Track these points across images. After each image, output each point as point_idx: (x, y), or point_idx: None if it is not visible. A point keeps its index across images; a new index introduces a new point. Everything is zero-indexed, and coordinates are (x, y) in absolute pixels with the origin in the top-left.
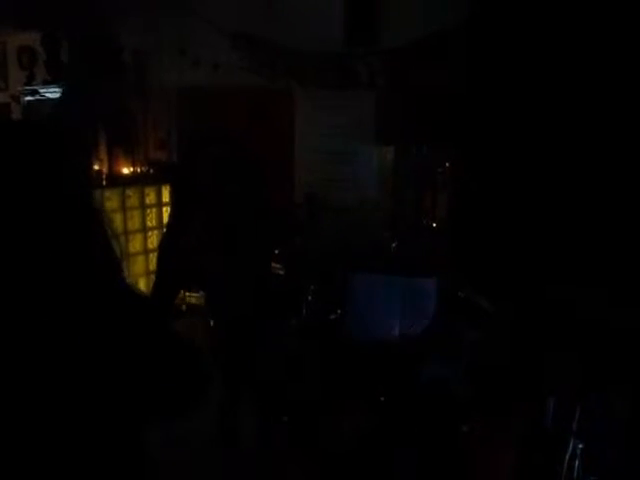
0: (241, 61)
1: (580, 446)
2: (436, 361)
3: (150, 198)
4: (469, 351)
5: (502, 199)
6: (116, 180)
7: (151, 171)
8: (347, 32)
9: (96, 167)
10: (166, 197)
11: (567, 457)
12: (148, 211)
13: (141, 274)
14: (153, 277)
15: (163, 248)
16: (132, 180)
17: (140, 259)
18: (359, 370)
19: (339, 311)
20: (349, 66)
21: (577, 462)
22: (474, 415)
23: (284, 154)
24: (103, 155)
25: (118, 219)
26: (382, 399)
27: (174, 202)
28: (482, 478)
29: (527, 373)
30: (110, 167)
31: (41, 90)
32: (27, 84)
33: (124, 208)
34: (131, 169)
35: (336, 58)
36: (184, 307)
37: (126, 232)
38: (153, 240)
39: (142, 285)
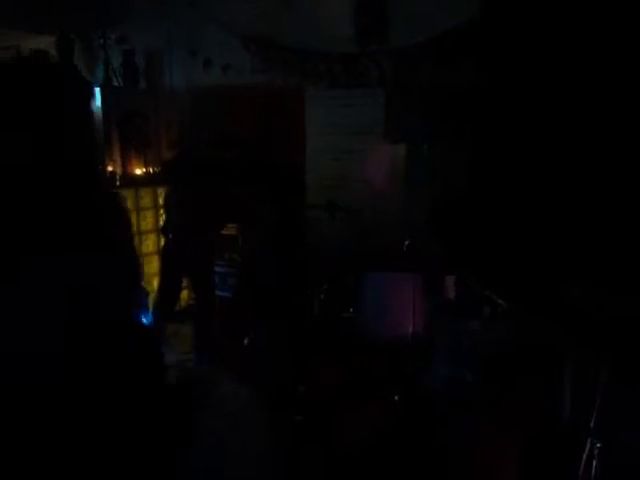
0: (252, 61)
1: (598, 445)
2: (444, 356)
3: (163, 198)
4: (472, 341)
5: (512, 197)
6: (129, 181)
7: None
8: (357, 31)
9: (110, 168)
10: None
11: (584, 457)
12: (161, 211)
13: (155, 274)
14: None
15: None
16: (145, 181)
17: (154, 259)
18: (372, 368)
19: (351, 310)
20: (360, 65)
21: (594, 462)
22: (482, 408)
23: (296, 154)
24: (116, 156)
25: (132, 220)
26: (395, 397)
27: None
28: (488, 475)
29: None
30: (123, 168)
31: None
32: None
33: (137, 208)
34: (144, 170)
35: (346, 57)
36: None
37: (139, 232)
38: None
39: (156, 285)
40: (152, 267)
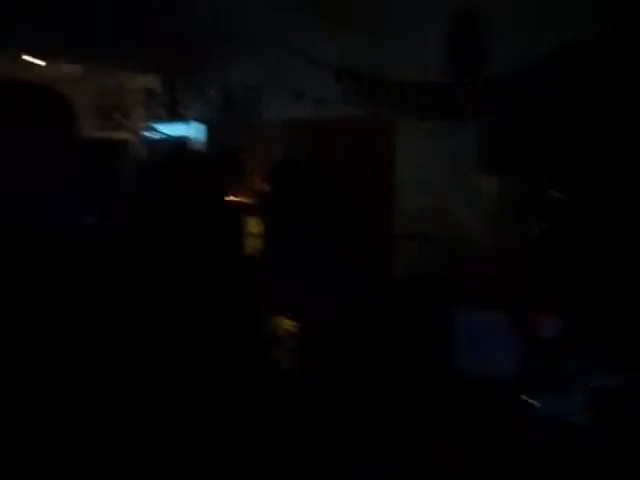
0: (344, 94)
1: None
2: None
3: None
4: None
5: (615, 236)
6: None
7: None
8: (450, 62)
9: None
10: None
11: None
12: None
13: None
14: None
15: None
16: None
17: None
18: (461, 409)
19: (441, 345)
20: (451, 96)
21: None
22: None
23: (386, 185)
24: None
25: None
26: (488, 441)
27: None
28: None
29: None
30: None
31: (159, 128)
32: (147, 122)
33: None
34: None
35: (437, 88)
36: None
37: None
38: None
39: None
40: None
